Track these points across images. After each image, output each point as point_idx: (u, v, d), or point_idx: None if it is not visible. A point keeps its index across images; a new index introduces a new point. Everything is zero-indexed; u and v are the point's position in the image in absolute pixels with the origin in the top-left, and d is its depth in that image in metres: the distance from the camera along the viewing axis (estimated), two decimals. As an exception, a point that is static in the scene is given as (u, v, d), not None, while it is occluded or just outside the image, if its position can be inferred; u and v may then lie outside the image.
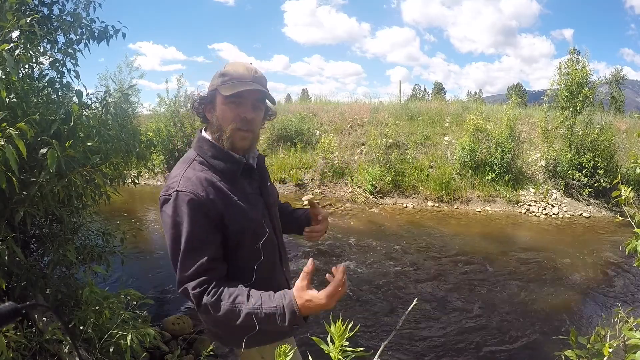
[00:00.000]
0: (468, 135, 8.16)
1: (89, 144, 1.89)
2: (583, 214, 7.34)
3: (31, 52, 1.87)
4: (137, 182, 2.89)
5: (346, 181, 8.54)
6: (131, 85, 8.14)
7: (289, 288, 1.04)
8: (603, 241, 5.93)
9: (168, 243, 1.01)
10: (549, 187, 7.87)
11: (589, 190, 7.38)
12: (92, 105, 2.32)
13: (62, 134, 1.87)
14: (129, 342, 1.82)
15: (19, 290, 1.97)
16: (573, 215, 7.34)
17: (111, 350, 1.89)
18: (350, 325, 0.73)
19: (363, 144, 9.25)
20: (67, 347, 1.89)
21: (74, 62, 2.26)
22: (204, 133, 1.13)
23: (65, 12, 2.46)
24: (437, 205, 7.78)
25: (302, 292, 0.91)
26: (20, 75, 1.85)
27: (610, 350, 1.16)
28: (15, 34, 1.75)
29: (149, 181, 9.73)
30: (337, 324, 0.72)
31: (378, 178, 8.06)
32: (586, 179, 7.37)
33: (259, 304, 0.93)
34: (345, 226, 6.52)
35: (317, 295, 0.90)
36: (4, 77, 1.66)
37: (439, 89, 28.48)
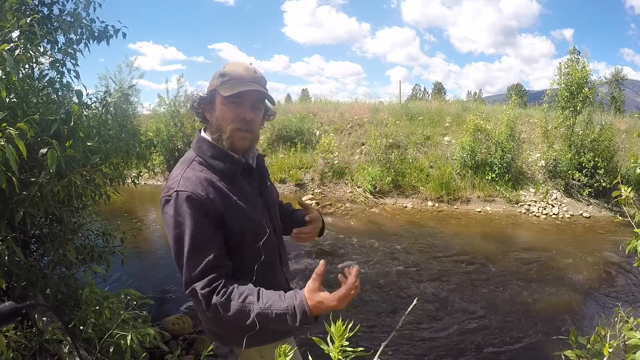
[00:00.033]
0: (468, 135, 8.16)
1: (89, 144, 1.89)
2: (583, 214, 7.34)
3: (31, 52, 1.87)
4: (137, 182, 2.89)
5: (346, 181, 8.54)
6: (131, 85, 8.15)
7: (289, 288, 1.03)
8: (603, 241, 5.93)
9: (171, 244, 1.01)
10: (549, 187, 7.87)
11: (589, 190, 7.38)
12: (92, 105, 2.32)
13: (62, 134, 1.87)
14: (129, 342, 1.82)
15: (19, 290, 1.97)
16: (573, 215, 7.34)
17: (111, 350, 1.89)
18: (350, 325, 0.73)
19: (363, 144, 9.25)
20: (67, 347, 1.89)
21: (74, 62, 2.26)
22: (203, 133, 1.13)
23: (65, 12, 2.46)
24: (437, 205, 7.78)
25: (314, 294, 0.92)
26: (20, 75, 1.85)
27: (610, 350, 1.16)
28: (15, 34, 1.75)
29: (149, 181, 9.74)
30: (337, 324, 0.72)
31: (378, 178, 8.06)
32: (586, 179, 7.37)
33: (270, 304, 0.94)
34: (346, 226, 6.52)
35: (329, 298, 0.91)
36: (4, 77, 1.66)
37: (439, 89, 28.48)
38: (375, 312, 3.61)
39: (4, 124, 1.45)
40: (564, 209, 7.47)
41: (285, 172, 8.94)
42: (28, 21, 1.75)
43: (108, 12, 2.66)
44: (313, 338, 0.76)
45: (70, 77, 2.26)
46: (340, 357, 0.71)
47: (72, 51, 2.26)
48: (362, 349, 0.73)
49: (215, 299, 0.95)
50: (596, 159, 7.33)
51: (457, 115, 9.82)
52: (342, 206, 7.64)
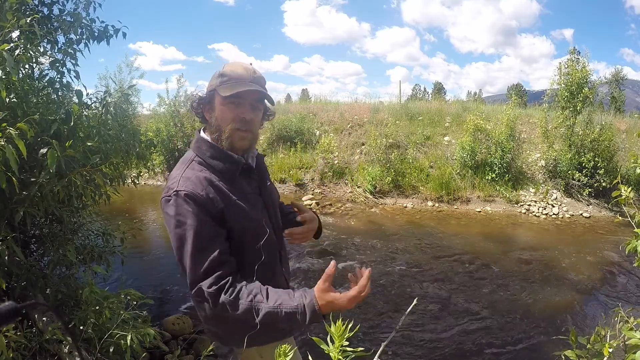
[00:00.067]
0: (468, 135, 8.16)
1: (89, 144, 1.89)
2: (583, 214, 7.34)
3: (31, 52, 1.87)
4: (137, 182, 2.89)
5: (346, 181, 8.54)
6: (131, 85, 8.15)
7: (289, 288, 1.03)
8: (603, 241, 5.93)
9: (174, 244, 1.00)
10: (549, 187, 7.87)
11: (589, 190, 7.38)
12: (92, 105, 2.32)
13: (62, 134, 1.87)
14: (129, 342, 1.82)
15: (19, 290, 1.97)
16: (573, 215, 7.34)
17: (111, 350, 1.89)
18: (350, 325, 0.73)
19: (363, 144, 9.25)
20: (67, 347, 1.89)
21: (74, 62, 2.26)
22: (202, 133, 1.13)
23: (65, 12, 2.46)
24: (437, 205, 7.78)
25: (324, 294, 0.93)
26: (20, 75, 1.85)
27: (610, 350, 1.16)
28: (15, 34, 1.75)
29: (149, 181, 9.74)
30: (337, 324, 0.72)
31: (378, 178, 8.06)
32: (586, 179, 7.37)
33: (280, 303, 0.94)
34: (346, 226, 6.52)
35: (339, 297, 0.92)
36: (4, 77, 1.66)
37: (439, 89, 28.48)
38: (376, 312, 3.61)
39: (4, 124, 1.45)
40: (564, 209, 7.47)
41: (285, 172, 8.94)
42: (28, 21, 1.76)
43: (108, 12, 2.66)
44: (313, 338, 0.76)
45: (70, 77, 2.26)
46: (340, 357, 0.71)
47: (72, 51, 2.26)
48: (362, 349, 0.73)
49: (223, 297, 0.95)
50: (596, 159, 7.33)
51: (457, 115, 9.82)
52: (342, 206, 7.64)
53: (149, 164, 3.17)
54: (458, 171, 8.15)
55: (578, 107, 7.50)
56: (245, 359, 1.18)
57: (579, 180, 7.47)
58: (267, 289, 0.98)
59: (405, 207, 7.73)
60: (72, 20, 2.41)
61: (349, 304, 0.92)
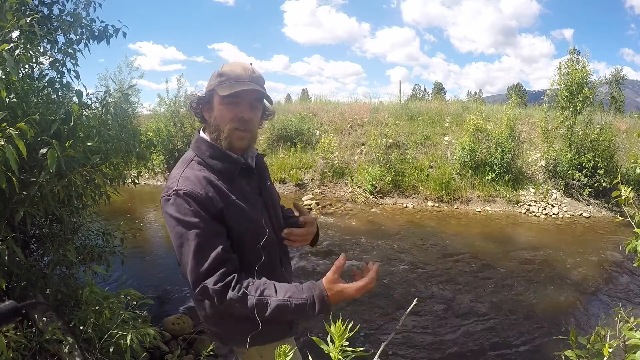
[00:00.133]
0: (468, 135, 8.16)
1: (89, 144, 1.89)
2: (583, 214, 7.34)
3: (31, 52, 1.87)
4: (137, 182, 2.89)
5: (346, 181, 8.54)
6: (131, 85, 8.13)
7: None
8: (603, 241, 5.93)
9: (175, 243, 1.00)
10: (549, 187, 7.87)
11: (589, 190, 7.38)
12: (92, 105, 2.32)
13: (62, 134, 1.87)
14: (129, 342, 1.82)
15: (19, 290, 1.97)
16: (573, 215, 7.33)
17: (111, 350, 1.89)
18: (350, 325, 0.73)
19: (363, 144, 9.25)
20: (67, 347, 1.89)
21: (74, 62, 2.26)
22: (202, 133, 1.13)
23: (65, 12, 2.46)
24: (437, 205, 7.77)
25: (334, 285, 0.96)
26: (20, 75, 1.85)
27: (610, 350, 1.16)
28: (15, 34, 1.75)
29: (149, 181, 9.74)
30: (337, 324, 0.72)
31: (378, 178, 8.06)
32: (586, 179, 7.37)
33: (289, 296, 0.96)
34: (346, 226, 6.52)
35: (349, 287, 0.96)
36: (4, 77, 1.66)
37: (439, 89, 28.46)
38: (376, 313, 3.61)
39: (4, 124, 1.45)
40: (564, 209, 7.46)
41: (285, 172, 8.94)
42: (28, 21, 1.75)
43: (108, 12, 2.66)
44: (313, 338, 0.76)
45: (70, 77, 2.26)
46: (340, 357, 0.71)
47: (72, 51, 2.27)
48: (362, 349, 0.73)
49: (230, 294, 0.95)
50: (596, 159, 7.33)
51: (457, 115, 9.81)
52: (342, 206, 7.64)
53: (149, 164, 3.17)
54: (458, 171, 8.15)
55: (578, 107, 7.50)
56: (245, 359, 1.18)
57: (579, 180, 7.47)
58: (274, 283, 0.99)
59: (405, 207, 7.73)
60: (72, 20, 2.41)
61: (357, 294, 0.96)
